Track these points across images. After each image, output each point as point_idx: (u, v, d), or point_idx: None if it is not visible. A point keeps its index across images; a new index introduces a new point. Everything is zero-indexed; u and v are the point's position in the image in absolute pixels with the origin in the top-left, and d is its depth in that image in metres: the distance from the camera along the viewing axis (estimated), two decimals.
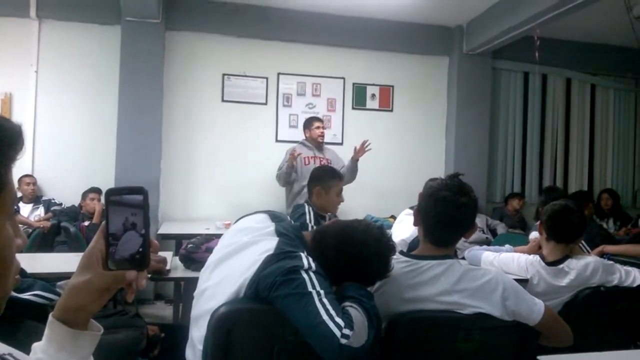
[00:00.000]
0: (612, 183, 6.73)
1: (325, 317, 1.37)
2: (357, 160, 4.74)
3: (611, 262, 2.29)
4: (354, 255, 1.57)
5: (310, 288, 1.42)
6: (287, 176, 4.80)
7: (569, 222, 2.28)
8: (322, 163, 4.72)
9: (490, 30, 5.45)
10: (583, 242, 2.80)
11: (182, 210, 5.37)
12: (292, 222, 1.77)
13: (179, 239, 4.17)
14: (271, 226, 1.65)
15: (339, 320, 1.36)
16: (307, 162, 4.84)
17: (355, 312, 1.42)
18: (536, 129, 6.49)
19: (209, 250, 2.59)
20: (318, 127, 4.95)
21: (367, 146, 4.66)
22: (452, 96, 6.09)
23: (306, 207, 3.26)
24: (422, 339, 1.60)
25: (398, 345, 1.58)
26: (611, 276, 2.19)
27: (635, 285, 2.19)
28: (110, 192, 0.84)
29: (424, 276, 1.65)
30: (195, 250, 2.71)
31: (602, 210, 6.13)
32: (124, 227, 0.83)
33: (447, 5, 5.38)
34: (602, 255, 3.14)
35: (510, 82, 6.40)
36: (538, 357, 1.23)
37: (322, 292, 1.42)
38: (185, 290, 3.13)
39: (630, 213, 6.40)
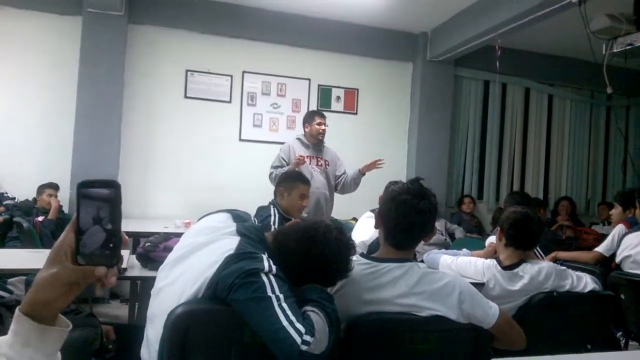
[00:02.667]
0: (567, 191, 6.96)
1: (285, 322, 1.36)
2: (364, 174, 4.39)
3: (564, 267, 2.35)
4: (315, 255, 1.56)
5: (269, 292, 1.40)
6: None
7: (530, 230, 2.33)
8: (320, 164, 4.38)
9: (453, 39, 5.57)
10: (538, 248, 2.89)
11: (140, 207, 5.26)
12: (256, 222, 1.75)
13: (136, 237, 4.07)
14: (232, 226, 1.63)
15: (299, 326, 1.36)
16: (302, 162, 4.36)
17: (316, 317, 1.42)
18: (495, 137, 6.66)
19: (167, 249, 2.55)
20: (320, 124, 4.42)
21: (380, 164, 4.31)
22: (415, 101, 6.18)
23: (272, 208, 3.25)
24: (380, 341, 1.61)
25: (356, 346, 1.59)
26: (564, 281, 2.25)
27: (586, 290, 2.25)
28: (82, 185, 0.80)
29: (384, 279, 1.67)
30: (153, 249, 2.66)
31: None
32: (94, 221, 0.80)
33: (412, 12, 5.46)
34: (555, 260, 3.23)
35: (471, 90, 6.54)
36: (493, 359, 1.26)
37: (281, 296, 1.40)
38: (141, 290, 3.06)
39: (583, 220, 6.62)
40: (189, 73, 5.46)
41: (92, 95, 4.91)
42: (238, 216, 1.73)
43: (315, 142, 4.41)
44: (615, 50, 4.04)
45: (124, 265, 2.65)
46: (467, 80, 6.51)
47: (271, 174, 4.26)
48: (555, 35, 5.73)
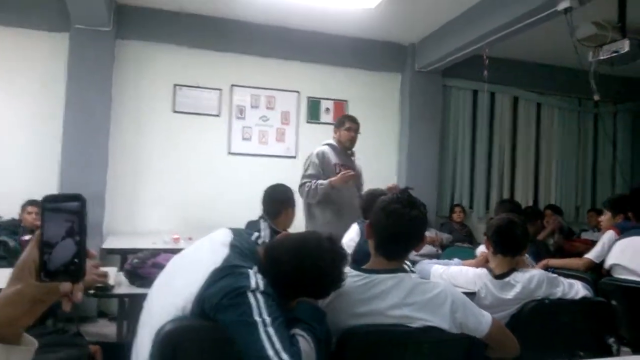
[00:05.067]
0: (556, 199, 6.99)
1: (270, 352, 1.33)
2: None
3: (555, 275, 2.35)
4: (308, 267, 1.55)
5: (256, 316, 1.38)
6: (325, 194, 3.79)
7: (514, 236, 2.33)
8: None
9: (440, 49, 5.61)
10: (528, 255, 2.89)
11: (128, 223, 5.21)
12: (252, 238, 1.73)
13: (124, 253, 4.01)
14: (227, 237, 1.62)
15: (284, 356, 1.33)
16: (338, 170, 3.89)
17: (304, 344, 1.40)
18: (484, 146, 6.68)
19: (156, 266, 2.52)
20: (349, 129, 4.02)
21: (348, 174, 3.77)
22: (404, 112, 6.20)
23: (262, 223, 3.22)
24: (373, 353, 1.59)
25: (349, 359, 1.57)
26: (555, 289, 2.25)
27: (578, 297, 2.26)
28: (46, 199, 0.79)
29: (375, 290, 1.66)
30: (141, 265, 2.62)
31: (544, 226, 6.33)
32: (59, 236, 0.78)
33: (400, 23, 5.50)
34: (546, 268, 3.23)
35: (460, 100, 6.57)
36: None
37: (268, 319, 1.38)
38: (130, 308, 3.03)
39: (573, 228, 6.65)
40: (177, 87, 5.45)
41: (79, 111, 4.88)
42: (237, 232, 1.71)
43: (345, 149, 4.05)
44: (601, 58, 4.09)
45: (111, 283, 2.61)
46: (455, 90, 6.54)
47: (304, 184, 3.82)
48: (542, 44, 5.79)
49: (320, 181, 3.78)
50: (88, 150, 4.91)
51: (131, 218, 5.24)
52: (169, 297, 1.50)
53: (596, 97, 4.25)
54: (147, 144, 5.35)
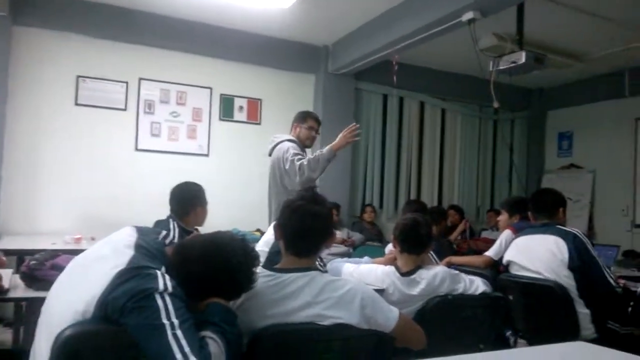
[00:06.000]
0: (459, 199, 7.38)
1: (178, 355, 1.29)
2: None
3: (457, 271, 2.47)
4: (220, 266, 1.52)
5: (164, 318, 1.33)
6: (328, 161, 3.40)
7: (418, 235, 2.43)
8: None
9: (353, 53, 5.73)
10: (432, 253, 3.01)
11: (25, 223, 4.86)
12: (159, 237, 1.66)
13: (21, 255, 3.76)
14: (132, 237, 1.54)
15: (193, 359, 1.30)
16: None
17: (214, 346, 1.37)
18: (394, 148, 6.92)
19: (55, 268, 2.38)
20: (311, 128, 3.76)
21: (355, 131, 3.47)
22: (317, 112, 6.17)
23: (171, 222, 3.11)
24: (284, 353, 1.59)
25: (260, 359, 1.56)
26: (457, 285, 2.37)
27: (478, 292, 2.38)
28: None
29: (288, 289, 1.66)
30: (39, 267, 2.46)
31: (449, 226, 6.65)
32: None
33: (314, 25, 5.55)
34: (449, 265, 3.38)
35: (371, 103, 6.75)
36: None
37: (176, 322, 1.33)
38: (27, 312, 2.83)
39: (474, 227, 7.03)
40: (80, 79, 5.15)
41: None
42: (144, 232, 1.63)
43: (305, 147, 3.77)
44: (501, 68, 4.35)
45: (6, 286, 2.43)
46: (367, 94, 6.71)
47: (301, 161, 3.36)
48: (447, 53, 6.08)
49: (316, 153, 3.37)
50: None
51: (29, 217, 4.90)
52: (69, 301, 1.40)
53: (495, 105, 4.51)
54: (48, 139, 5.01)
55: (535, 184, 7.67)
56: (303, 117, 3.82)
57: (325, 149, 3.40)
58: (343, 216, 6.20)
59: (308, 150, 3.83)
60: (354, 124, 3.45)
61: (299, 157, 3.41)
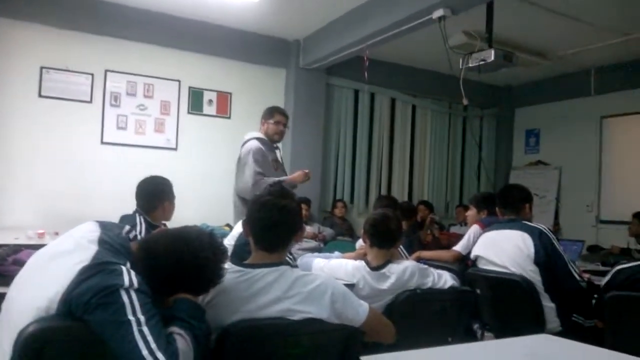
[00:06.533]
0: (428, 194, 7.45)
1: (145, 351, 1.27)
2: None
3: (426, 266, 2.49)
4: (188, 259, 1.49)
5: (129, 315, 1.30)
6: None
7: (388, 229, 2.44)
8: (283, 169, 3.88)
9: (324, 48, 5.72)
10: (402, 248, 3.03)
11: None
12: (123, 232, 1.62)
13: None
14: (95, 232, 1.50)
15: (160, 355, 1.28)
16: (275, 167, 3.76)
17: (182, 342, 1.35)
18: (365, 144, 6.94)
19: (17, 263, 2.30)
20: (278, 123, 3.79)
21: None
22: (288, 107, 6.21)
23: (137, 217, 3.05)
24: (253, 348, 1.57)
25: (229, 355, 1.54)
26: (426, 279, 2.39)
27: (446, 286, 2.41)
28: None
29: (257, 285, 1.64)
30: (1, 262, 2.37)
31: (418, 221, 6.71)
32: None
33: (285, 19, 5.52)
34: (418, 260, 3.41)
35: (342, 98, 6.76)
36: (361, 357, 1.27)
37: (142, 318, 1.31)
38: None
39: (443, 222, 7.12)
40: (44, 70, 5.00)
41: None
42: (107, 226, 1.59)
43: (273, 142, 3.84)
44: (470, 65, 4.39)
45: None
46: (338, 89, 6.71)
47: (259, 181, 3.48)
48: (418, 50, 6.13)
49: (272, 179, 3.48)
50: None
51: None
52: (31, 297, 1.36)
53: (465, 102, 4.56)
54: (10, 131, 4.86)
55: (503, 180, 7.80)
56: (270, 112, 3.85)
57: (282, 178, 3.58)
58: (314, 211, 6.19)
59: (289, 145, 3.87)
60: (309, 171, 3.72)
61: (261, 178, 3.51)
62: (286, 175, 3.81)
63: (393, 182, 7.24)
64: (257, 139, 3.74)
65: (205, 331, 1.47)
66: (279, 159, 3.91)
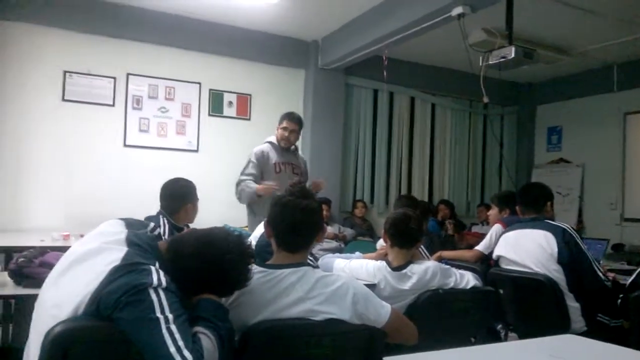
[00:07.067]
0: (449, 194, 7.40)
1: (172, 348, 1.28)
2: None
3: (448, 266, 2.47)
4: (215, 261, 1.50)
5: (158, 312, 1.32)
6: (251, 199, 3.79)
7: (409, 228, 2.43)
8: (296, 172, 3.94)
9: (342, 48, 5.72)
10: (423, 248, 3.01)
11: (13, 220, 4.79)
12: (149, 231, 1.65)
13: (8, 252, 3.71)
14: (123, 233, 1.52)
15: (186, 354, 1.29)
16: (278, 169, 3.90)
17: (207, 341, 1.36)
18: (384, 143, 6.91)
19: (44, 265, 2.35)
20: (285, 129, 3.89)
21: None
22: (307, 108, 6.24)
23: (161, 218, 3.08)
24: (276, 349, 1.58)
25: (251, 356, 1.54)
26: (448, 279, 2.37)
27: (468, 287, 2.39)
28: None
29: (280, 286, 1.65)
30: (27, 264, 2.43)
31: (439, 220, 6.67)
32: None
33: (304, 19, 5.53)
34: (439, 260, 3.39)
35: (361, 98, 6.74)
36: (384, 358, 1.27)
37: (170, 316, 1.33)
38: (16, 310, 2.81)
39: (464, 221, 7.07)
40: (67, 74, 5.08)
41: None
42: (131, 224, 1.62)
43: (285, 148, 3.94)
44: (490, 63, 4.34)
45: None
46: (357, 89, 6.69)
47: (240, 182, 3.79)
48: (437, 48, 6.08)
49: (250, 184, 3.72)
50: None
51: (16, 214, 4.84)
52: (61, 297, 1.39)
53: (485, 100, 4.52)
54: (35, 135, 4.96)
55: (525, 179, 7.70)
56: (280, 118, 3.98)
57: (253, 187, 3.72)
58: (334, 212, 6.20)
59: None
60: (275, 186, 3.65)
61: (242, 180, 3.78)
62: (296, 178, 3.90)
63: (413, 181, 7.20)
64: (268, 142, 3.97)
65: (229, 331, 1.48)
66: (292, 162, 3.96)
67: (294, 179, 3.85)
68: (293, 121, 3.93)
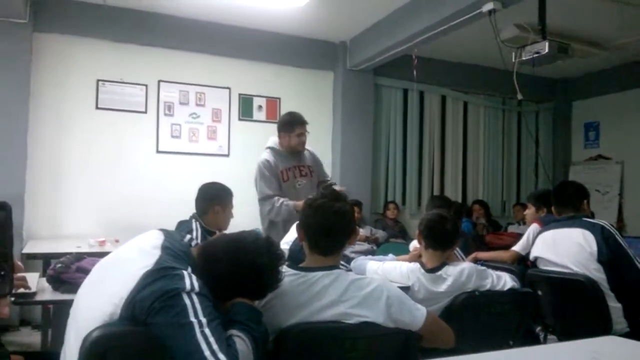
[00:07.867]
0: (483, 194, 7.27)
1: (207, 352, 1.29)
2: None
3: (484, 267, 2.43)
4: (246, 265, 1.51)
5: (191, 317, 1.33)
6: (290, 216, 3.60)
7: (444, 230, 2.39)
8: (304, 173, 3.84)
9: (371, 48, 5.68)
10: (458, 249, 2.96)
11: (50, 227, 4.92)
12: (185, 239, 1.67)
13: (46, 258, 3.83)
14: (159, 239, 1.54)
15: (221, 357, 1.30)
16: (285, 178, 3.78)
17: (241, 344, 1.37)
18: (415, 143, 6.84)
19: (81, 270, 2.40)
20: (301, 134, 3.77)
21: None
22: (337, 110, 6.23)
23: (194, 223, 3.13)
24: (310, 351, 1.58)
25: (286, 358, 1.55)
26: (484, 281, 2.32)
27: (506, 288, 2.33)
28: None
29: (313, 288, 1.65)
30: (65, 270, 2.49)
31: (473, 221, 6.57)
32: None
33: (331, 21, 5.52)
34: (475, 261, 3.33)
35: (391, 98, 6.68)
36: None
37: (204, 320, 1.33)
38: (54, 315, 2.88)
39: (500, 221, 6.94)
40: (100, 83, 5.20)
41: None
42: (170, 234, 1.63)
43: (294, 152, 3.85)
44: (523, 59, 4.26)
45: (33, 289, 2.45)
46: (386, 89, 6.64)
47: (272, 202, 3.65)
48: (468, 45, 5.99)
49: (285, 201, 3.62)
50: (4, 150, 4.60)
51: (53, 221, 4.96)
52: (97, 303, 1.41)
53: (519, 97, 4.43)
54: (70, 143, 5.08)
55: (562, 177, 7.52)
56: (291, 126, 3.78)
57: (291, 204, 3.59)
58: (365, 214, 6.16)
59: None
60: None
61: (270, 197, 3.65)
62: (309, 182, 3.85)
63: (446, 181, 7.10)
64: (270, 148, 3.86)
65: (264, 333, 1.49)
66: (296, 165, 3.85)
67: (302, 181, 3.79)
68: (305, 124, 3.83)
